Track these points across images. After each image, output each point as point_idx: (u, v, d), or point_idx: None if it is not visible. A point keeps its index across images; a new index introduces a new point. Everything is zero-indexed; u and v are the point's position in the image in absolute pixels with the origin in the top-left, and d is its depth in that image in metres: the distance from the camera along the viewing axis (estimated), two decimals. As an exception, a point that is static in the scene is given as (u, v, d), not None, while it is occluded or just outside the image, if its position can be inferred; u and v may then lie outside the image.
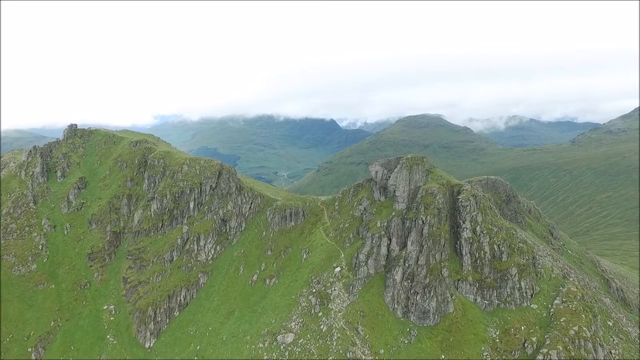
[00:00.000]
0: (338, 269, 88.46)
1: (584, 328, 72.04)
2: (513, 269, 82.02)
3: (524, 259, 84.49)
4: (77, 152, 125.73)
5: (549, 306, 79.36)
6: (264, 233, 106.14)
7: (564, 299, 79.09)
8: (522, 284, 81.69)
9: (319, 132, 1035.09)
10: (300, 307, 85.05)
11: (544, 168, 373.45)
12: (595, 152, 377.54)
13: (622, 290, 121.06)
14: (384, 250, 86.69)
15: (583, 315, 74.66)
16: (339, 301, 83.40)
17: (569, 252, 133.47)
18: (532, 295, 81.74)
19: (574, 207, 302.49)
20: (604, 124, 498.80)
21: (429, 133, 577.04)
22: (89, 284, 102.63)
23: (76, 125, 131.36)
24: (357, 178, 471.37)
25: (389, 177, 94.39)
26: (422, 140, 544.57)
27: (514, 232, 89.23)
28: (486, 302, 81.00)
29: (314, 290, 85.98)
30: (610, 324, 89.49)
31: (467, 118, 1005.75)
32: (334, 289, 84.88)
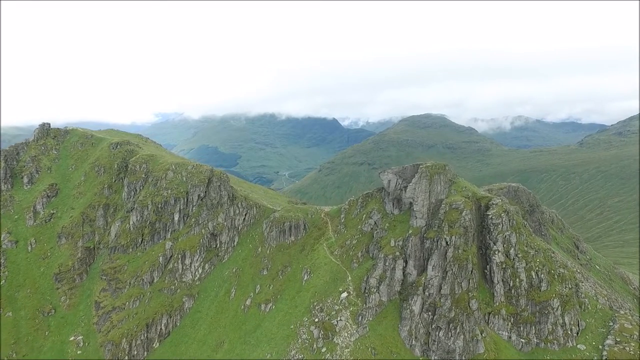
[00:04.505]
0: (345, 294, 76.99)
1: (649, 379, 58.89)
2: (554, 300, 68.72)
3: (566, 287, 71.13)
4: (49, 154, 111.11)
5: (600, 347, 66.09)
6: (259, 249, 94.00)
7: (618, 339, 65.74)
8: (566, 318, 68.35)
9: (320, 131, 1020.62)
10: (300, 340, 74.27)
11: (552, 170, 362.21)
12: (605, 154, 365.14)
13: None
14: (399, 274, 74.96)
15: (645, 362, 61.42)
16: (345, 334, 72.11)
17: (597, 267, 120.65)
18: (577, 333, 68.48)
19: (584, 211, 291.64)
20: (612, 125, 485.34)
21: (432, 133, 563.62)
22: (54, 310, 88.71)
23: (49, 124, 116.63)
24: (359, 179, 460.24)
25: (404, 187, 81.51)
26: (426, 141, 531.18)
27: (552, 255, 75.88)
28: (523, 340, 67.65)
29: (316, 320, 75.25)
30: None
31: (471, 118, 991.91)
32: (340, 319, 73.83)
